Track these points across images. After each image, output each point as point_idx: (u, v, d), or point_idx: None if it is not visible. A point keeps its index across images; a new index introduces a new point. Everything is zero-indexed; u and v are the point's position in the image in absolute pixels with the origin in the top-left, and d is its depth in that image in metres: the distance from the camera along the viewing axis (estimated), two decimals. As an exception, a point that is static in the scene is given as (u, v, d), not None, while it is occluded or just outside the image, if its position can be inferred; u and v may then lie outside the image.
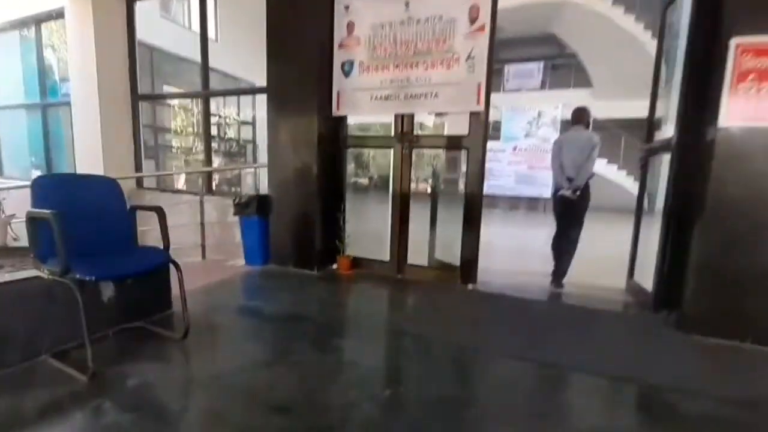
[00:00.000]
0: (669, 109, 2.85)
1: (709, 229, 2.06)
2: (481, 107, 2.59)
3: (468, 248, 2.78)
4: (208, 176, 4.15)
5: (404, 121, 2.85)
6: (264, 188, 3.22)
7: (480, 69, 2.56)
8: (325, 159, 2.97)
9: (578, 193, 2.90)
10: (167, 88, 8.65)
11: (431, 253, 3.20)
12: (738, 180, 1.98)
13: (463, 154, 2.79)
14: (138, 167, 4.41)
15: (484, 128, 2.67)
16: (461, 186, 2.85)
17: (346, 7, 2.86)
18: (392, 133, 2.92)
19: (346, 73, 2.92)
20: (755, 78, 1.91)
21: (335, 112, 2.97)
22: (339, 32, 2.91)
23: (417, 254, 3.11)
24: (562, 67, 14.42)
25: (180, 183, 8.26)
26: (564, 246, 2.99)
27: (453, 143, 2.87)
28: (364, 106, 2.88)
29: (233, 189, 8.04)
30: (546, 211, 10.63)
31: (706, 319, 2.09)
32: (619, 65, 11.27)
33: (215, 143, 9.72)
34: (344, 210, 3.10)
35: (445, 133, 3.87)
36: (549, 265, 3.07)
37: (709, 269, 2.08)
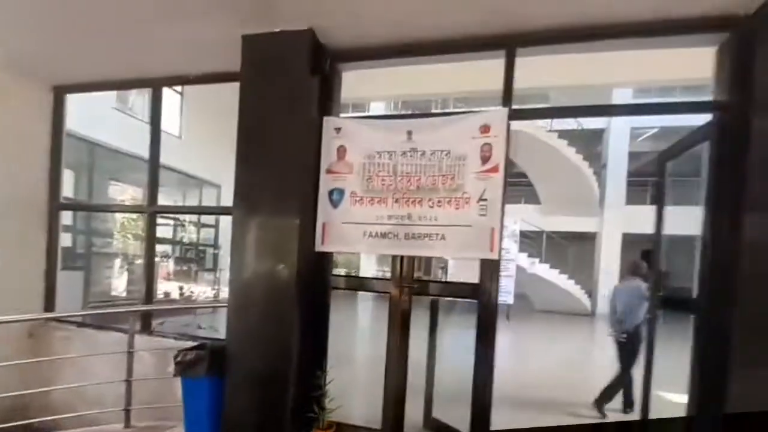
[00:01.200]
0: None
1: None
2: (495, 254, 2.25)
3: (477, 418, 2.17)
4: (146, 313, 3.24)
5: (403, 263, 2.42)
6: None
7: (493, 212, 2.27)
8: (305, 305, 2.38)
9: (625, 335, 3.33)
10: (113, 187, 7.80)
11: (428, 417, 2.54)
12: None
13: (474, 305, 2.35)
14: (49, 295, 3.45)
15: (497, 277, 2.29)
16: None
17: (337, 129, 2.58)
18: (389, 276, 2.46)
19: (335, 203, 2.52)
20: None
21: (320, 247, 2.48)
22: (327, 156, 2.57)
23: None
24: (514, 184, 15.65)
25: (120, 288, 6.92)
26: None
27: (462, 292, 2.44)
28: (355, 242, 2.44)
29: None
30: (509, 318, 10.39)
31: None
32: (562, 186, 12.37)
33: (168, 246, 8.31)
34: (326, 369, 2.42)
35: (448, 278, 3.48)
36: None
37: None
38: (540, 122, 11.44)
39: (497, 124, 2.33)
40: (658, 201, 2.80)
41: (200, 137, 8.88)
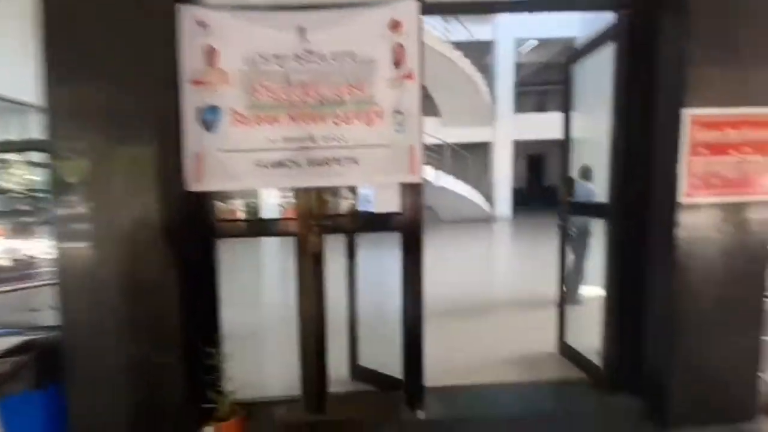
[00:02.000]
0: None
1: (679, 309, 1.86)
2: (417, 177, 1.95)
3: (411, 363, 2.07)
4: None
5: (310, 196, 1.98)
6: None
7: (411, 127, 1.91)
8: (182, 265, 1.83)
9: (575, 230, 3.50)
10: None
11: (354, 367, 2.41)
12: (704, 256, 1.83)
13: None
14: None
15: (420, 203, 2.03)
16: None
17: (202, 24, 1.84)
18: (293, 214, 2.01)
19: (208, 125, 1.88)
20: (707, 151, 1.77)
21: (193, 185, 1.88)
22: (192, 60, 1.85)
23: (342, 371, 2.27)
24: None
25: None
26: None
27: (383, 224, 2.13)
28: (243, 175, 1.89)
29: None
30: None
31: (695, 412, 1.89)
32: (460, 98, 12.52)
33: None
34: (219, 343, 1.99)
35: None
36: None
37: (685, 353, 1.88)
38: (435, 32, 10.92)
39: (409, 20, 1.87)
40: (565, 106, 2.73)
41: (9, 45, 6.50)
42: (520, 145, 14.43)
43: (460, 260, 8.14)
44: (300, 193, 1.98)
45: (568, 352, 2.63)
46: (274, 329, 3.51)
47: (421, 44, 1.90)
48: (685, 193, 1.76)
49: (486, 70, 13.31)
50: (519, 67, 14.08)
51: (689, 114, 1.71)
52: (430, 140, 11.95)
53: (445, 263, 7.83)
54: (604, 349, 2.17)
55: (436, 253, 9.26)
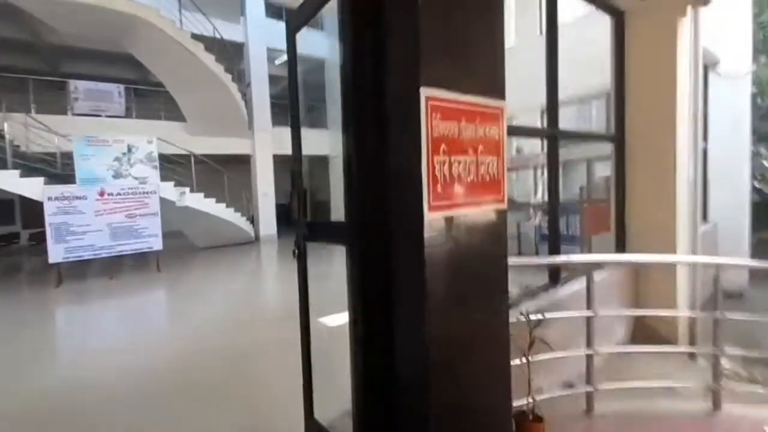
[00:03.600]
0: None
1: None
2: None
3: None
4: None
5: None
6: None
7: None
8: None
9: None
10: None
11: None
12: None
13: None
14: None
15: None
16: None
17: None
18: None
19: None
20: (447, 148, 1.37)
21: None
22: None
23: None
24: (150, 94, 12.59)
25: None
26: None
27: None
28: None
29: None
30: (162, 269, 8.61)
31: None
32: (210, 103, 10.96)
33: None
34: None
35: None
36: None
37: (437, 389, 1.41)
38: (164, 13, 9.08)
39: None
40: (292, 96, 2.07)
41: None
42: (285, 160, 13.99)
43: (213, 297, 6.70)
44: None
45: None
46: None
47: None
48: (430, 206, 1.28)
49: (239, 77, 12.20)
50: (275, 79, 13.66)
51: (426, 95, 1.24)
52: (171, 150, 9.83)
53: (193, 304, 6.24)
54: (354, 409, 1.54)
55: (188, 289, 7.46)
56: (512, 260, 2.39)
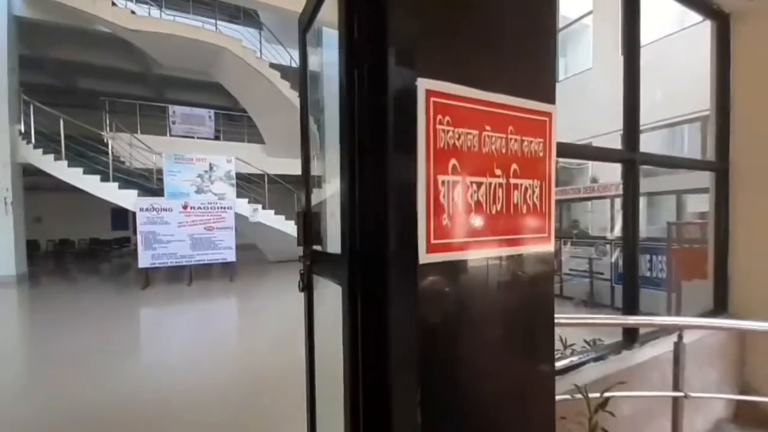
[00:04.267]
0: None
1: None
2: None
3: None
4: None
5: None
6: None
7: None
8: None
9: None
10: None
11: None
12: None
13: None
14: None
15: None
16: None
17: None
18: None
19: None
20: (458, 166, 0.99)
21: None
22: None
23: None
24: (236, 119, 13.80)
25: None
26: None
27: None
28: None
29: None
30: (234, 279, 9.07)
31: None
32: (285, 126, 11.60)
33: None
34: None
35: None
36: None
37: None
38: (247, 42, 9.87)
39: None
40: (303, 100, 1.84)
41: None
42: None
43: (279, 306, 6.83)
44: None
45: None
46: None
47: None
48: (428, 246, 0.91)
49: (314, 103, 12.79)
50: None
51: (426, 88, 0.89)
52: (247, 170, 10.52)
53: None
54: None
55: (257, 298, 7.76)
56: (566, 318, 1.86)
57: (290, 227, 10.89)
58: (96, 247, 14.67)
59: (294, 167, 12.70)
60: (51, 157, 9.08)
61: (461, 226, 0.95)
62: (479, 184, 0.97)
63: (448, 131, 0.93)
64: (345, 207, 1.15)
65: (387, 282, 1.01)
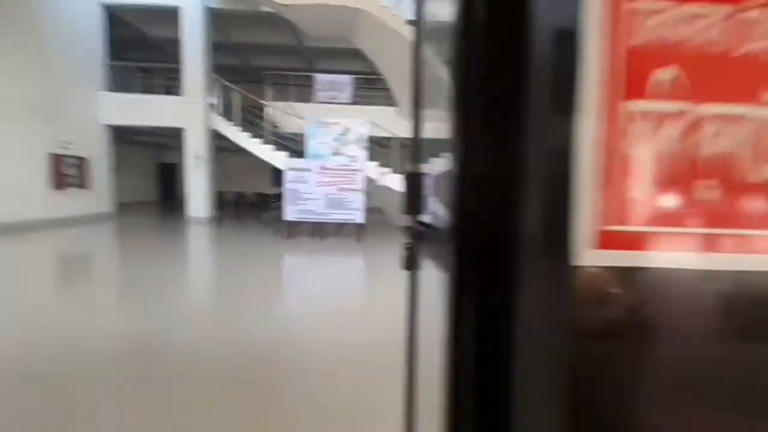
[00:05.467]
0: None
1: None
2: None
3: None
4: None
5: None
6: None
7: None
8: None
9: None
10: None
11: None
12: None
13: None
14: None
15: None
16: None
17: None
18: None
19: None
20: (674, 83, 0.51)
21: None
22: None
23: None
24: (373, 82, 14.12)
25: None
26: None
27: None
28: None
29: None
30: (360, 240, 9.57)
31: None
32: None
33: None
34: None
35: None
36: None
37: None
38: (383, 1, 9.58)
39: None
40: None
41: None
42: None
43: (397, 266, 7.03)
44: None
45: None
46: None
47: None
48: (600, 237, 0.49)
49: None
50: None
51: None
52: (376, 133, 10.69)
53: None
54: None
55: (378, 258, 8.20)
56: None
57: (418, 192, 10.85)
58: (260, 199, 17.46)
59: (428, 129, 12.44)
60: (230, 123, 10.93)
61: (670, 205, 0.49)
62: (724, 121, 0.48)
63: (652, 12, 0.46)
64: (457, 166, 0.78)
65: (515, 287, 0.62)
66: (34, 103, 9.34)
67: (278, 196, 17.85)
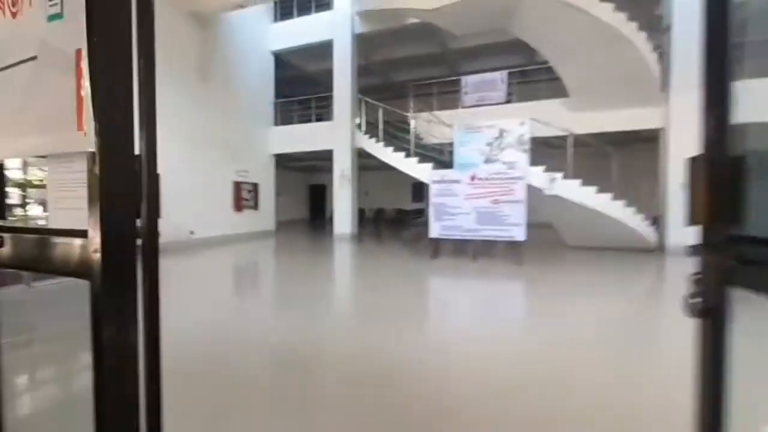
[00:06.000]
0: None
1: None
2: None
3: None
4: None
5: None
6: None
7: None
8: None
9: None
10: None
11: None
12: None
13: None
14: None
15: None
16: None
17: None
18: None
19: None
20: None
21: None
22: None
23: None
24: (532, 74, 11.93)
25: None
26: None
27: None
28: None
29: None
30: (522, 264, 7.50)
31: None
32: (602, 68, 8.62)
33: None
34: None
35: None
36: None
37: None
38: None
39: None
40: None
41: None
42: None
43: (579, 310, 4.65)
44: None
45: None
46: None
47: None
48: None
49: (653, 24, 9.00)
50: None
51: None
52: (540, 132, 8.52)
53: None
54: None
55: (550, 293, 5.65)
56: None
57: (605, 204, 8.09)
58: (400, 216, 16.90)
59: (612, 122, 9.51)
60: (373, 140, 10.71)
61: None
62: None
63: None
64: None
65: None
66: (225, 141, 11.10)
67: (418, 212, 17.03)
